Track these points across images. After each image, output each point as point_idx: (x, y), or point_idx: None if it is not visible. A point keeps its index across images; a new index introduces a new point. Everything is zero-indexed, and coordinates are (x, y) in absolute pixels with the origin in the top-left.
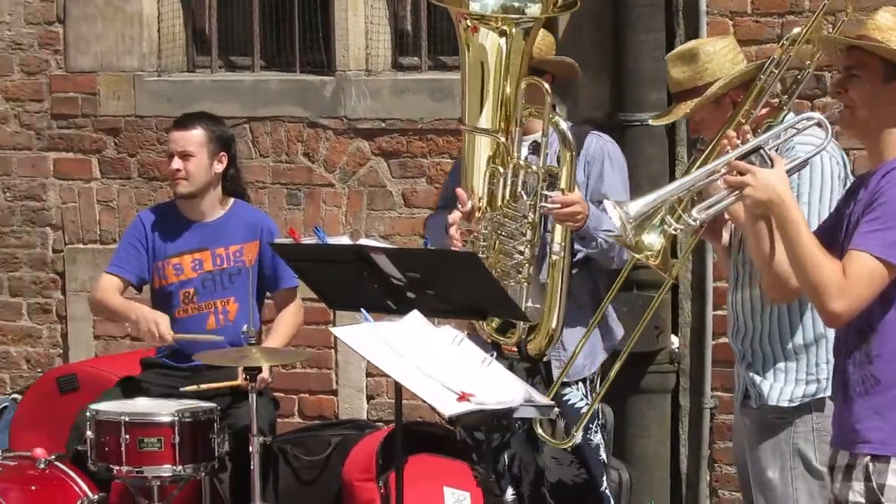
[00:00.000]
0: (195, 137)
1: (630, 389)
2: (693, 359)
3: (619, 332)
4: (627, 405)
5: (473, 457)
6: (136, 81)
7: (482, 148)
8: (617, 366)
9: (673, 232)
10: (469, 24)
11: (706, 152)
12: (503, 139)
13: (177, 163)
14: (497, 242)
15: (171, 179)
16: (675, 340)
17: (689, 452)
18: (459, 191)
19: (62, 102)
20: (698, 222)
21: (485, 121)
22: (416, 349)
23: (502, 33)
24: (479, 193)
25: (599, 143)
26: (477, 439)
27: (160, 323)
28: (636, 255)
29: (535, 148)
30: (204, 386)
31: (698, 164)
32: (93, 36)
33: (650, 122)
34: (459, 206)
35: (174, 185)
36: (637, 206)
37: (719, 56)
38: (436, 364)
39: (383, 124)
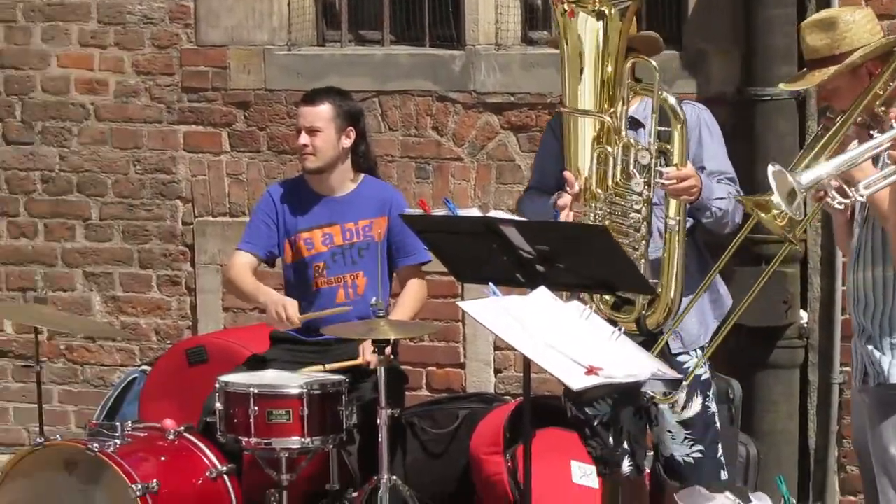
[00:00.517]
0: (323, 113)
1: (758, 364)
2: (822, 334)
3: (728, 301)
4: (756, 380)
5: (586, 431)
6: (266, 55)
7: (585, 129)
8: (723, 332)
9: (837, 206)
10: (566, 9)
11: (840, 122)
12: (608, 119)
13: (304, 138)
14: (611, 222)
15: (299, 154)
16: (803, 315)
17: (818, 428)
18: (567, 174)
19: (193, 76)
20: (864, 197)
21: (587, 102)
22: (543, 323)
23: (600, 15)
24: (586, 174)
25: (695, 112)
26: (587, 414)
27: (287, 307)
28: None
29: (632, 124)
30: (328, 367)
31: (832, 133)
32: (223, 10)
33: (781, 86)
34: (568, 188)
35: (302, 160)
36: (809, 176)
37: (858, 25)
38: (563, 338)
39: (512, 98)
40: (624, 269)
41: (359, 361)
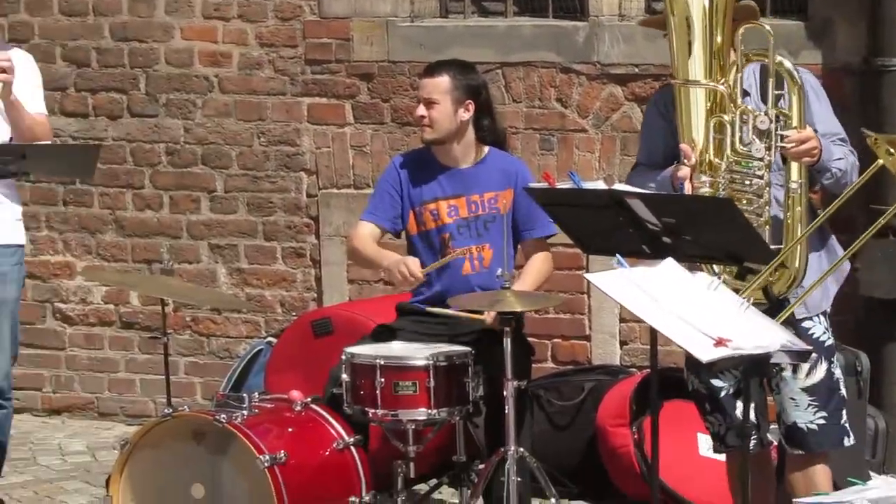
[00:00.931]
0: (441, 85)
1: (887, 337)
2: None
3: (846, 266)
4: (884, 353)
5: (706, 406)
6: (389, 27)
7: (698, 100)
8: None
9: None
10: None
11: None
12: (722, 88)
13: (421, 109)
14: (732, 191)
15: (418, 126)
16: None
17: None
18: (684, 146)
19: (316, 48)
20: None
21: (698, 73)
22: (671, 294)
23: None
24: (702, 145)
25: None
26: (713, 386)
27: (409, 264)
28: None
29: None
30: (451, 312)
31: None
32: None
33: None
34: (685, 160)
35: (420, 132)
36: None
37: None
38: (691, 309)
39: (636, 69)
40: (750, 240)
41: (483, 317)
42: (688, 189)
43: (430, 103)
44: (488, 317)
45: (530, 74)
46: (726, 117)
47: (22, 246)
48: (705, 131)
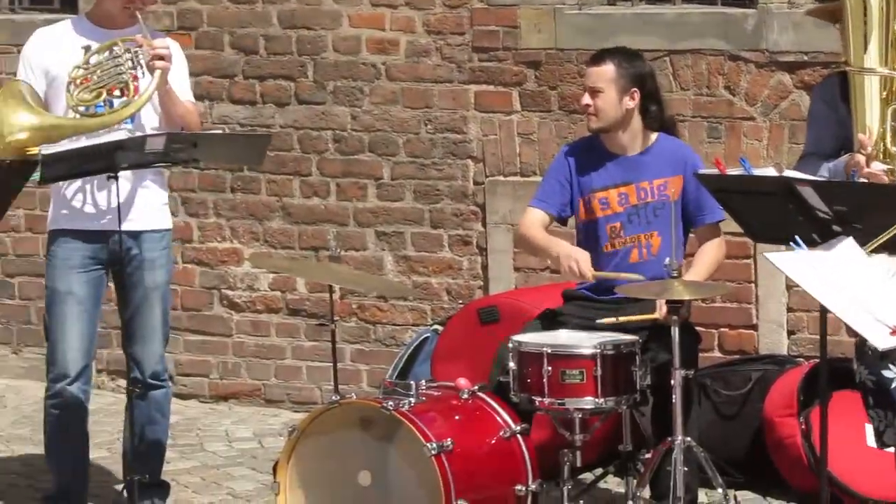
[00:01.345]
0: (605, 73)
1: None
2: None
3: None
4: None
5: (869, 399)
6: (556, 15)
7: (873, 88)
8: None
9: None
10: None
11: None
12: None
13: (586, 98)
14: None
15: (584, 114)
16: None
17: None
18: (861, 136)
19: (483, 35)
20: None
21: (874, 60)
22: (848, 279)
23: None
24: (877, 134)
25: None
26: (883, 377)
27: (580, 260)
28: None
29: None
30: (622, 319)
31: None
32: None
33: None
34: (861, 150)
35: (586, 120)
36: None
37: None
38: (868, 295)
39: (805, 57)
40: None
41: (654, 315)
42: (863, 177)
43: (594, 92)
44: (660, 314)
45: (698, 62)
46: None
47: (169, 230)
48: (881, 119)
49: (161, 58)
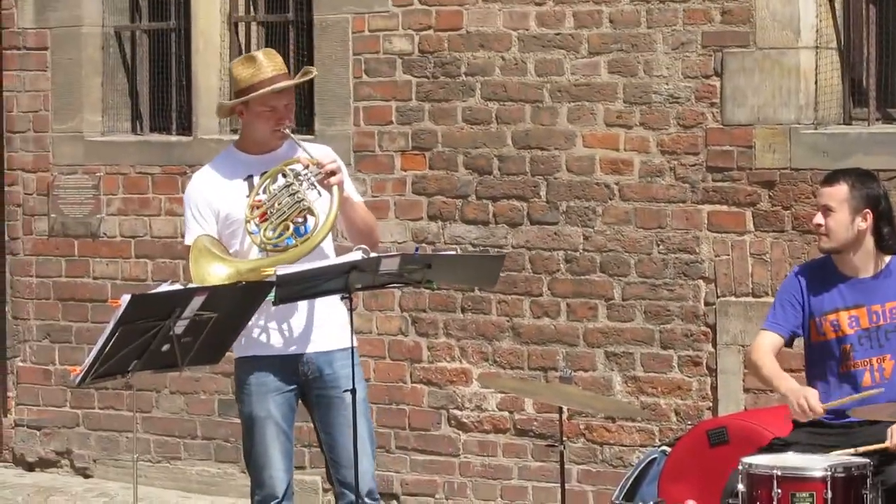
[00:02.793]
0: (838, 193)
1: None
2: None
3: None
4: None
5: None
6: (792, 134)
7: None
8: None
9: None
10: None
11: None
12: None
13: (818, 217)
14: None
15: (816, 234)
16: None
17: None
18: None
19: (718, 156)
20: None
21: None
22: None
23: None
24: None
25: None
26: None
27: (809, 397)
28: None
29: None
30: (860, 450)
31: None
32: (750, 89)
33: None
34: None
35: (818, 240)
36: None
37: None
38: None
39: None
40: None
41: (886, 445)
42: None
43: (827, 211)
44: (891, 444)
45: None
46: None
47: (356, 348)
48: None
49: (333, 173)
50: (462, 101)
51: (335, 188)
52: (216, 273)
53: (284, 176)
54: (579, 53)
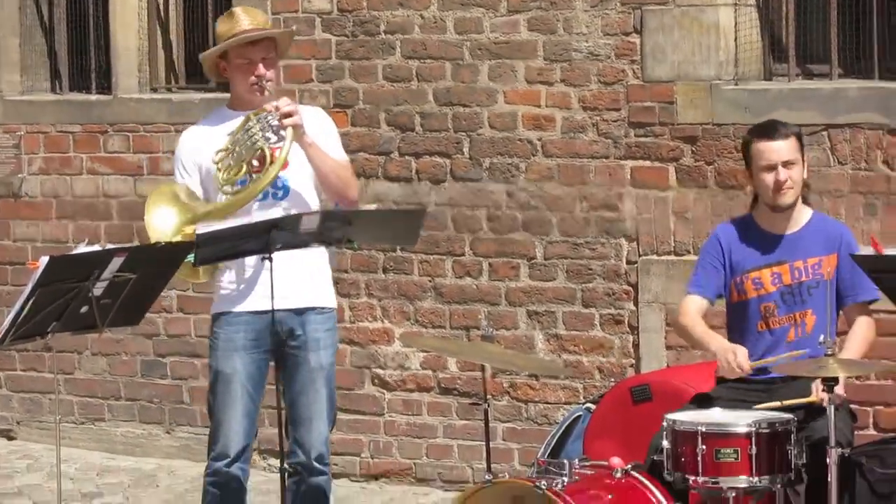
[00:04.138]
0: (792, 145)
1: None
2: None
3: None
4: None
5: None
6: (713, 90)
7: None
8: None
9: None
10: None
11: None
12: None
13: (782, 173)
14: None
15: (776, 191)
16: None
17: None
18: None
19: (639, 112)
20: None
21: None
22: None
23: None
24: None
25: None
26: None
27: (738, 354)
28: None
29: None
30: (777, 404)
31: None
32: (669, 46)
33: None
34: None
35: (779, 196)
36: None
37: None
38: None
39: None
40: None
41: (812, 399)
42: None
43: (789, 164)
44: (816, 398)
45: (857, 136)
46: None
47: (335, 310)
48: None
49: (289, 115)
50: (382, 59)
51: (290, 130)
52: (165, 224)
53: (248, 123)
54: (498, 11)
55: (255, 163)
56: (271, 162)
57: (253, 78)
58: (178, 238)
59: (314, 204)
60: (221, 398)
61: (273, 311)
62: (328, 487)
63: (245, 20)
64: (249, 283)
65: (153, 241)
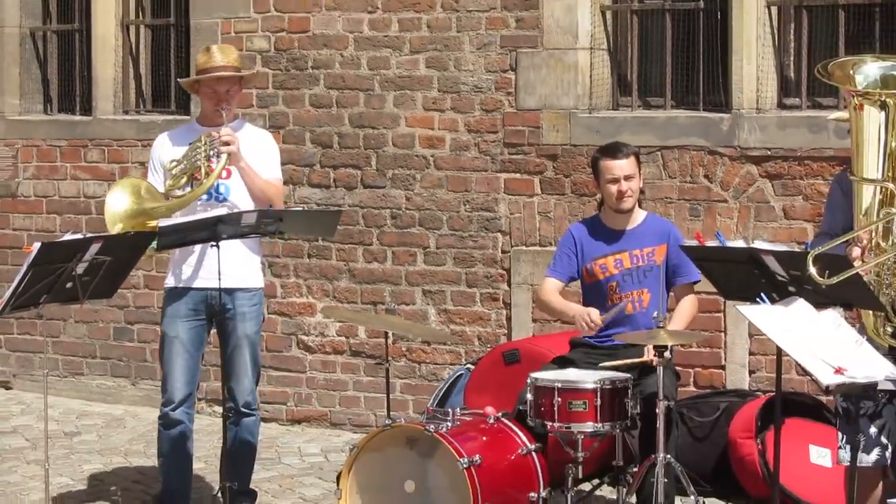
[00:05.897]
0: (632, 163)
1: None
2: None
3: None
4: None
5: (839, 422)
6: (571, 117)
7: (874, 193)
8: None
9: None
10: (857, 103)
11: None
12: (892, 186)
13: (623, 185)
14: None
15: (616, 199)
16: None
17: None
18: (861, 234)
19: (513, 134)
20: None
21: (873, 172)
22: (802, 328)
23: (883, 105)
24: (871, 235)
25: None
26: (858, 405)
27: (591, 313)
28: None
29: None
30: (618, 363)
31: None
32: (538, 81)
33: None
34: (858, 244)
35: (621, 202)
36: None
37: None
38: (817, 341)
39: (769, 152)
40: (861, 293)
41: (645, 359)
42: (857, 265)
43: (629, 178)
44: (649, 358)
45: (684, 156)
46: (893, 210)
47: (260, 289)
48: (877, 220)
49: (226, 143)
50: (309, 89)
51: (224, 155)
52: (121, 207)
53: (198, 142)
54: (403, 52)
55: (196, 176)
56: (206, 175)
57: (216, 104)
58: (126, 222)
59: (250, 205)
60: (167, 356)
61: (209, 289)
62: (256, 427)
63: (218, 57)
64: (193, 265)
65: (105, 216)
